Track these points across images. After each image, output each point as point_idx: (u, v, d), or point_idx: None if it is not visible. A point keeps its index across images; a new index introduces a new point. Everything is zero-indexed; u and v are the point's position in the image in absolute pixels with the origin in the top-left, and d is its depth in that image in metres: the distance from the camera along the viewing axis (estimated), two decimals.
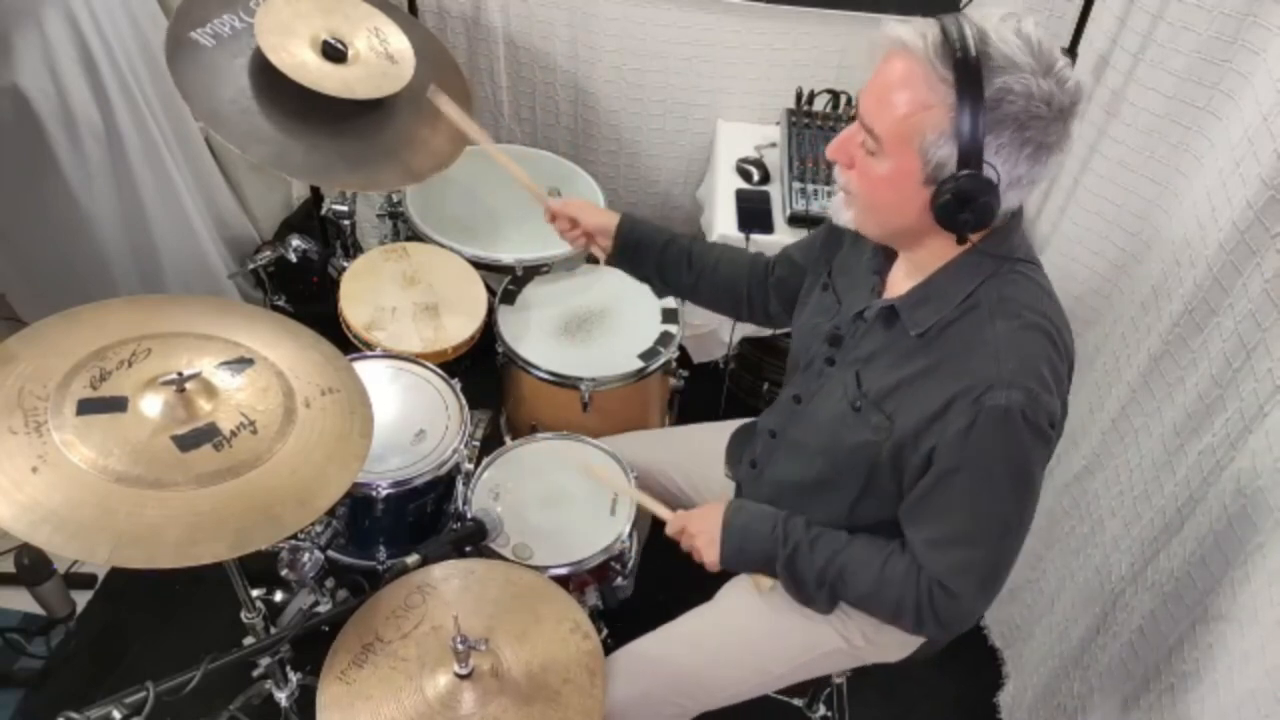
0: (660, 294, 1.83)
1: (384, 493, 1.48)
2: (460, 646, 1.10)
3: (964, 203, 1.01)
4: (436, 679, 1.14)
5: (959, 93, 0.97)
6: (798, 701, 1.81)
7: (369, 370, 1.65)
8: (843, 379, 1.22)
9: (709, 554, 1.34)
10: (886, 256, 1.23)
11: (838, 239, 1.34)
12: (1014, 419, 1.04)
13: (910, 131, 1.02)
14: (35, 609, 1.79)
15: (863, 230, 1.17)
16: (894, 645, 1.41)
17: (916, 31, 1.00)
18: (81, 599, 1.96)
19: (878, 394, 1.16)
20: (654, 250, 1.53)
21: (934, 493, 1.13)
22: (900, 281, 1.20)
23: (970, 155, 0.99)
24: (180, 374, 1.12)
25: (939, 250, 1.12)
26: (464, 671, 1.13)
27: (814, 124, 2.20)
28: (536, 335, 1.88)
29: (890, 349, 1.17)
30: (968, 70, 0.96)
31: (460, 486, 1.61)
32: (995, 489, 1.10)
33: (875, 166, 1.07)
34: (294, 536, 1.47)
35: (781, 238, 2.03)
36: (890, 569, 1.21)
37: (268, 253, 1.97)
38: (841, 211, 1.16)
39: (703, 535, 1.34)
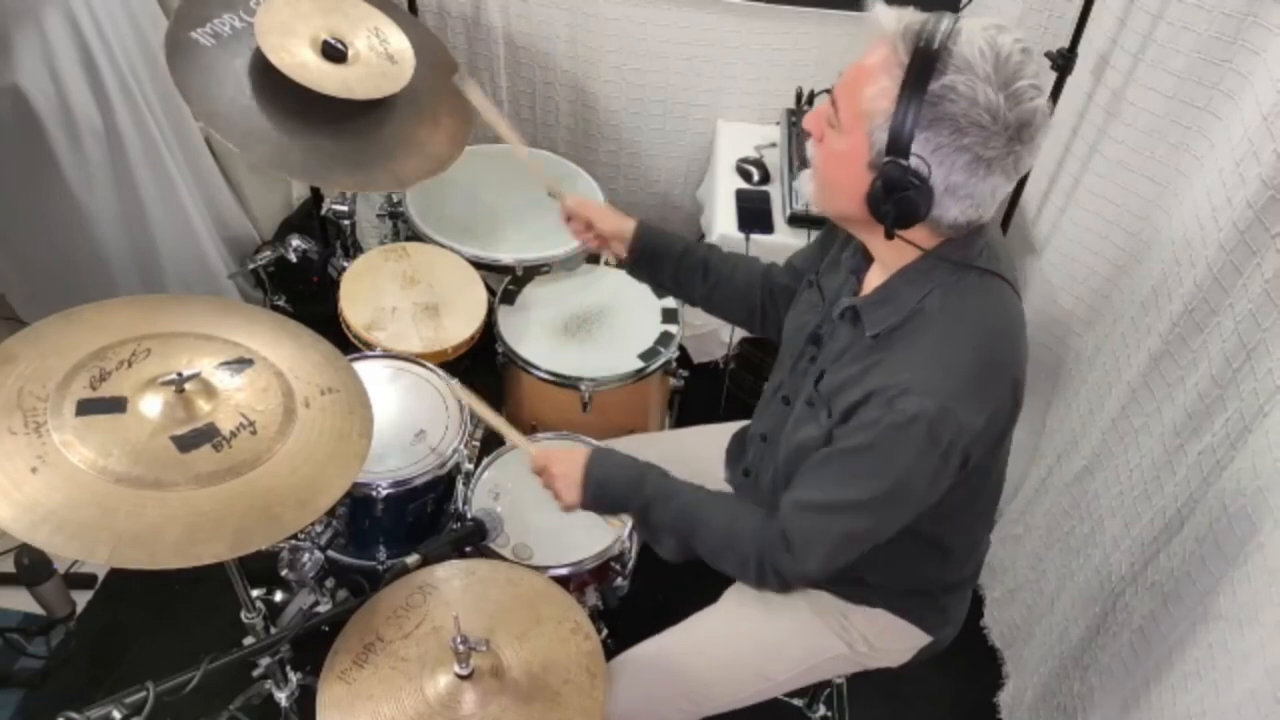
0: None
1: (384, 493, 1.48)
2: (460, 647, 1.11)
3: (888, 190, 1.01)
4: (437, 679, 1.14)
5: (905, 78, 0.97)
6: (798, 702, 1.81)
7: (369, 370, 1.65)
8: (814, 377, 1.23)
9: (568, 496, 1.32)
10: (866, 256, 1.22)
11: (832, 238, 1.34)
12: (917, 427, 1.03)
13: (864, 111, 1.02)
14: (35, 609, 1.79)
15: (818, 206, 1.16)
16: (898, 651, 1.40)
17: (897, 15, 1.01)
18: (81, 599, 1.96)
19: (828, 391, 1.17)
20: (670, 259, 1.52)
21: (822, 463, 1.14)
22: (873, 282, 1.20)
23: (898, 141, 0.99)
24: (180, 374, 1.12)
25: (898, 250, 1.11)
26: (464, 672, 1.13)
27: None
28: (536, 335, 1.89)
29: (852, 348, 1.17)
30: (922, 59, 0.97)
31: (460, 486, 1.61)
32: (871, 479, 1.10)
33: (834, 142, 1.08)
34: (294, 536, 1.47)
35: (781, 238, 2.03)
36: (739, 525, 1.21)
37: (268, 253, 1.97)
38: (806, 184, 1.16)
39: (564, 479, 1.32)
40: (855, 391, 1.10)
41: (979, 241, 1.11)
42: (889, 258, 1.14)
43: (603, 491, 1.30)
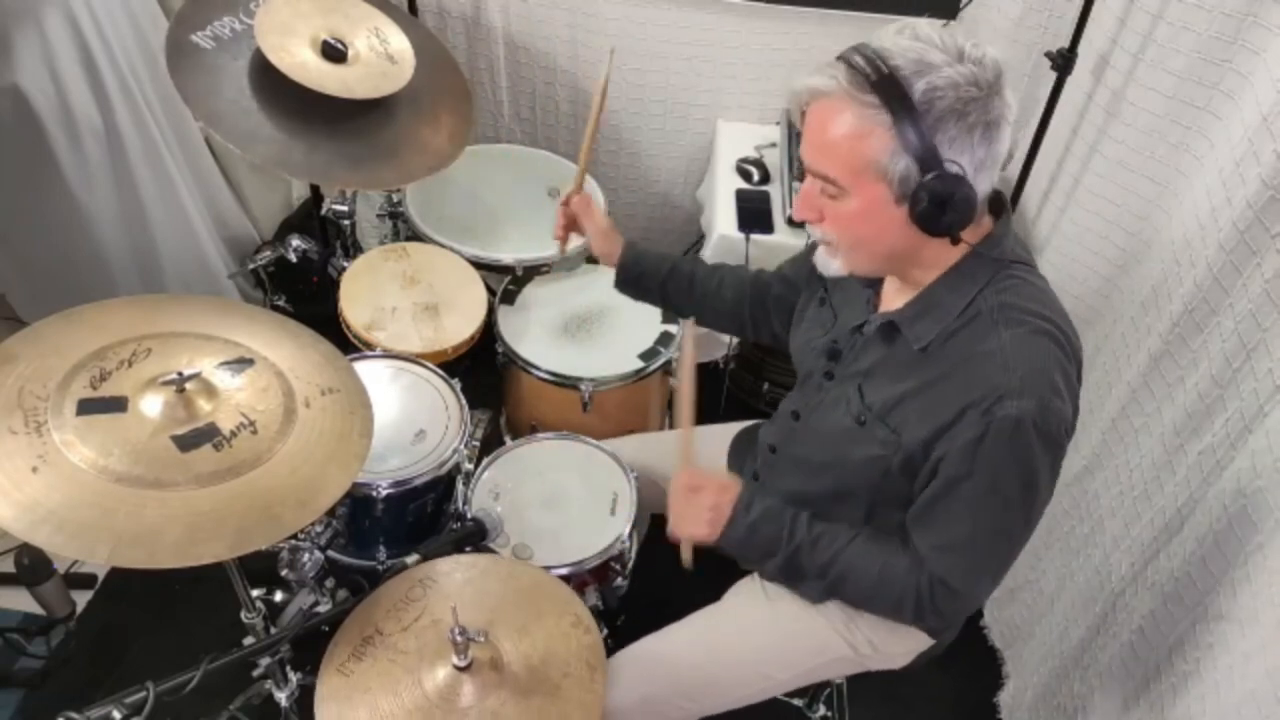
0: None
1: (384, 493, 1.48)
2: (458, 638, 1.10)
3: (942, 204, 1.01)
4: (435, 672, 1.14)
5: (890, 110, 0.98)
6: (798, 702, 1.81)
7: (369, 370, 1.65)
8: (844, 393, 1.22)
9: (700, 530, 1.26)
10: None
11: None
12: (1025, 429, 1.04)
13: (861, 163, 1.03)
14: (35, 609, 1.79)
15: (857, 272, 1.16)
16: (900, 653, 1.40)
17: (826, 75, 1.02)
18: (81, 599, 1.96)
19: (882, 408, 1.16)
20: (656, 281, 1.55)
21: (941, 499, 1.13)
22: (894, 294, 1.19)
23: (928, 160, 1.00)
24: (180, 374, 1.12)
25: (930, 265, 1.12)
26: (463, 664, 1.13)
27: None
28: (536, 335, 1.88)
29: (891, 362, 1.17)
30: (888, 87, 0.98)
31: (460, 486, 1.61)
32: (1003, 498, 1.10)
33: (844, 207, 1.08)
34: (294, 536, 1.47)
35: (781, 238, 2.03)
36: (891, 568, 1.20)
37: (268, 253, 1.97)
38: (829, 263, 1.16)
39: (710, 513, 1.26)
40: (936, 409, 1.09)
41: (1009, 234, 1.12)
42: (918, 274, 1.14)
43: (749, 534, 1.26)
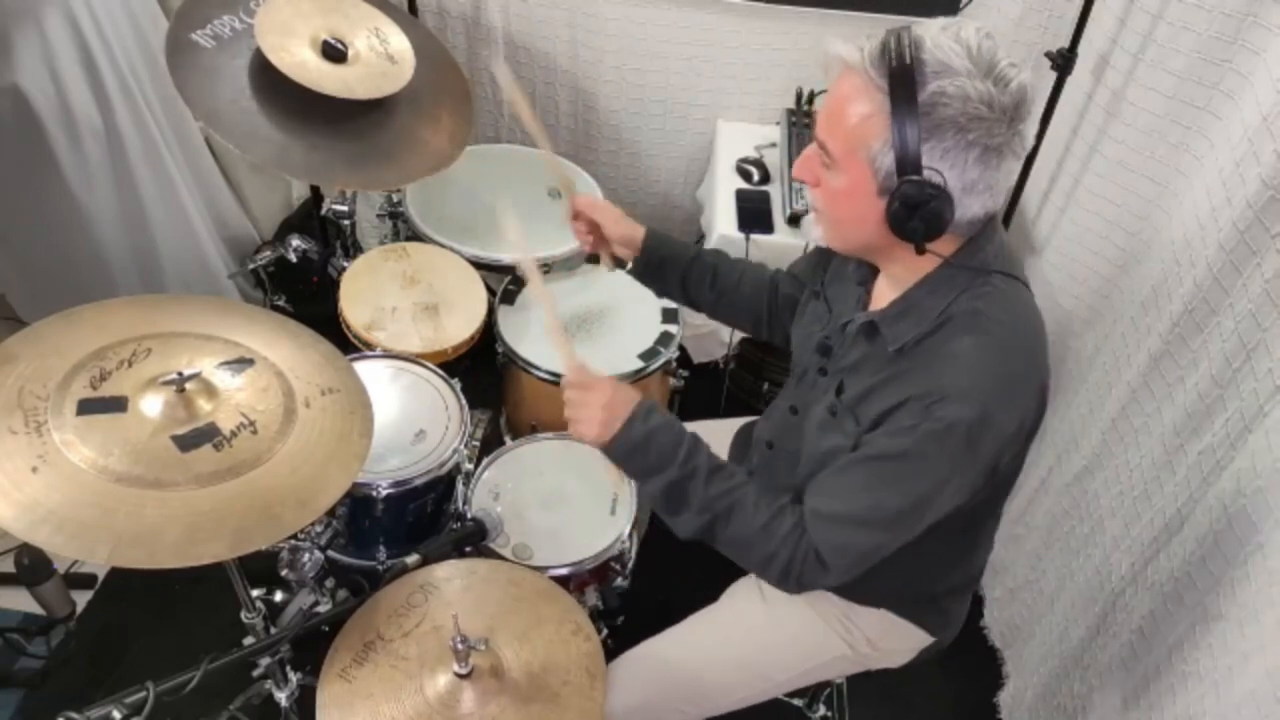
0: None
1: (384, 493, 1.48)
2: (460, 646, 1.11)
3: (911, 210, 1.01)
4: (436, 678, 1.14)
5: (893, 99, 0.98)
6: (798, 702, 1.81)
7: (369, 370, 1.65)
8: (829, 386, 1.22)
9: (592, 431, 1.19)
10: (872, 268, 1.22)
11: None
12: (956, 434, 1.03)
13: (856, 143, 1.02)
14: (35, 609, 1.79)
15: (833, 246, 1.17)
16: (899, 651, 1.40)
17: (856, 46, 1.02)
18: (81, 599, 1.96)
19: (852, 400, 1.16)
20: (678, 268, 1.52)
21: (848, 470, 1.12)
22: (884, 294, 1.19)
23: (907, 161, 0.99)
24: (180, 374, 1.12)
25: (914, 264, 1.11)
26: (464, 671, 1.13)
27: (814, 124, 2.20)
28: (536, 335, 1.88)
29: (871, 360, 1.17)
30: (900, 76, 0.97)
31: (460, 486, 1.61)
32: (904, 487, 1.08)
33: (833, 181, 1.08)
34: (294, 536, 1.47)
35: (781, 238, 2.03)
36: (777, 524, 1.15)
37: (268, 253, 1.97)
38: (813, 229, 1.17)
39: (603, 411, 1.19)
40: (888, 398, 1.09)
41: (993, 243, 1.11)
42: (903, 273, 1.14)
43: (644, 441, 1.18)
